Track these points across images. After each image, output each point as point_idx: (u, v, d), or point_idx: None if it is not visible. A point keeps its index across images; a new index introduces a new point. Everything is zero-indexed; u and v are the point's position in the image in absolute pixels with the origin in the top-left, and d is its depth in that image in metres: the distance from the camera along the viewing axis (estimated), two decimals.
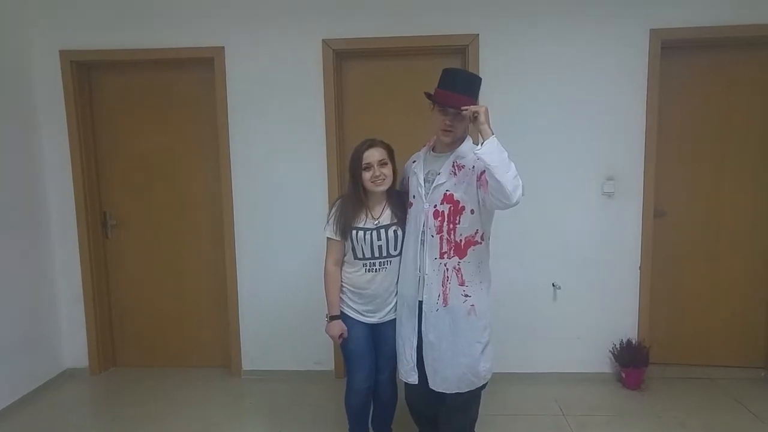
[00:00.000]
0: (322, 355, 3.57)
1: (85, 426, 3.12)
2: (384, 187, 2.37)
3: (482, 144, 2.06)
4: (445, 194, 2.26)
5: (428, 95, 2.29)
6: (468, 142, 2.33)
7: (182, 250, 3.75)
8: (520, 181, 2.07)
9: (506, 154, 2.06)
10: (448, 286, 2.28)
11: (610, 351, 3.47)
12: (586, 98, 3.33)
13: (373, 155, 2.34)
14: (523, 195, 2.08)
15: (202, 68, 3.50)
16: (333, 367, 3.60)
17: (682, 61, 3.40)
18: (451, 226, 2.27)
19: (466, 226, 2.27)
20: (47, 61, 3.48)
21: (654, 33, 3.25)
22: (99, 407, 3.39)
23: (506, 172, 2.02)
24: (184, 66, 3.57)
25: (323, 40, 3.35)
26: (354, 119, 3.54)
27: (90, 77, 3.64)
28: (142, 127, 3.67)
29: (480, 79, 2.34)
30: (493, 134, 2.07)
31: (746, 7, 3.21)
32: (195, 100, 3.61)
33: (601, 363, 3.52)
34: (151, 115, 3.66)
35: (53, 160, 3.56)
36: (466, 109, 2.14)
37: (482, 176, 2.17)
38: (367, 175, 2.34)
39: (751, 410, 3.10)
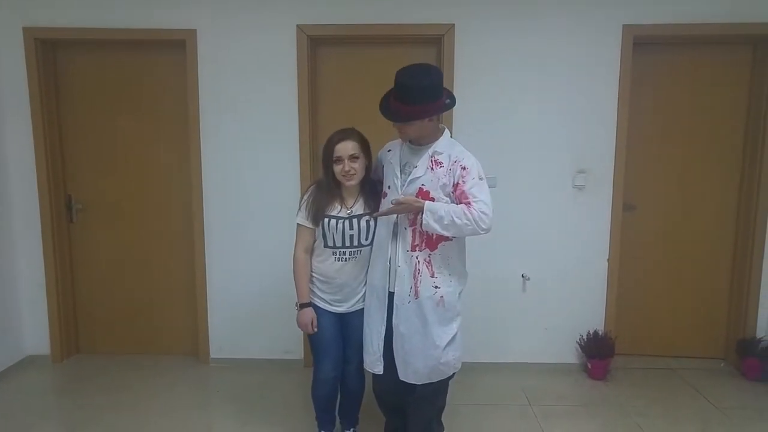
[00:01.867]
0: (291, 344, 3.55)
1: (45, 413, 3.05)
2: (353, 182, 2.34)
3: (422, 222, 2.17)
4: (420, 189, 2.25)
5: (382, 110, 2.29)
6: (445, 136, 2.32)
7: (150, 235, 3.68)
8: (480, 216, 2.13)
9: (442, 215, 2.13)
10: (419, 278, 2.28)
11: (577, 342, 3.53)
12: (558, 91, 3.36)
13: (345, 148, 2.30)
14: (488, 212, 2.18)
15: (174, 51, 3.42)
16: (302, 356, 3.58)
17: (654, 57, 3.44)
18: None
19: None
20: (10, 38, 3.36)
21: (626, 29, 3.28)
22: (61, 394, 3.31)
23: (453, 231, 2.16)
24: (154, 48, 3.48)
25: (298, 26, 3.30)
26: (328, 106, 3.50)
27: (55, 56, 3.52)
28: (111, 109, 3.57)
29: (435, 73, 2.23)
30: (422, 211, 2.15)
31: (717, 6, 3.26)
32: (165, 83, 3.53)
33: (568, 354, 3.58)
34: (119, 97, 3.56)
35: (15, 141, 3.45)
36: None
37: (456, 187, 2.21)
38: (337, 169, 2.32)
39: (709, 400, 3.19)
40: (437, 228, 2.15)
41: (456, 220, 2.13)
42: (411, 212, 2.22)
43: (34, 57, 3.37)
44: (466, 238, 2.35)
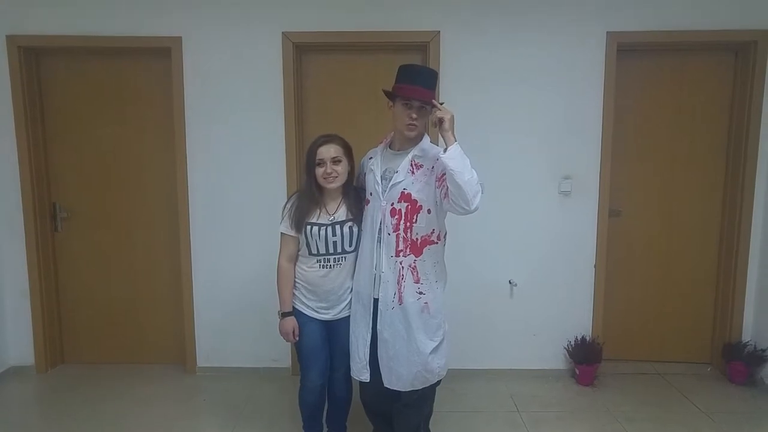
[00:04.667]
0: (278, 352, 3.53)
1: (30, 424, 3.01)
2: (336, 185, 2.35)
3: (446, 149, 2.07)
4: (402, 192, 2.25)
5: (387, 93, 2.28)
6: (426, 140, 2.33)
7: (136, 244, 3.65)
8: (480, 188, 2.10)
9: (468, 161, 2.09)
10: (403, 284, 2.28)
11: (564, 348, 3.54)
12: (544, 97, 3.37)
13: (327, 152, 2.32)
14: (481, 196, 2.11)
15: (159, 58, 3.40)
16: (290, 365, 3.55)
17: (638, 63, 3.47)
18: (408, 224, 2.26)
19: (423, 226, 2.27)
20: None
21: (611, 36, 3.31)
22: (45, 405, 3.27)
23: (468, 177, 2.05)
24: (140, 55, 3.47)
25: (283, 33, 3.30)
26: (314, 113, 3.50)
27: (39, 64, 3.50)
28: (96, 117, 3.55)
29: (437, 72, 2.36)
30: (456, 141, 2.09)
31: (700, 13, 3.30)
32: (151, 91, 3.51)
33: (556, 359, 3.58)
34: (105, 104, 3.54)
35: None
36: (435, 107, 2.15)
37: (442, 179, 2.17)
38: (319, 172, 2.32)
39: (696, 404, 3.20)
40: (459, 161, 2.05)
41: (474, 170, 2.08)
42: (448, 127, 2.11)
43: (17, 65, 3.35)
44: (453, 242, 2.35)
